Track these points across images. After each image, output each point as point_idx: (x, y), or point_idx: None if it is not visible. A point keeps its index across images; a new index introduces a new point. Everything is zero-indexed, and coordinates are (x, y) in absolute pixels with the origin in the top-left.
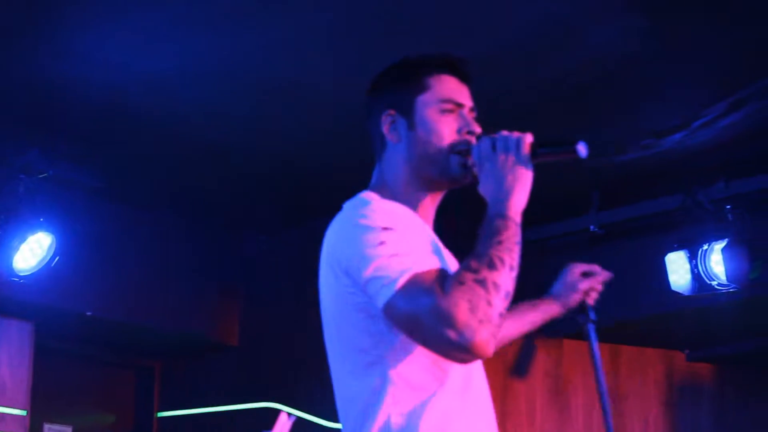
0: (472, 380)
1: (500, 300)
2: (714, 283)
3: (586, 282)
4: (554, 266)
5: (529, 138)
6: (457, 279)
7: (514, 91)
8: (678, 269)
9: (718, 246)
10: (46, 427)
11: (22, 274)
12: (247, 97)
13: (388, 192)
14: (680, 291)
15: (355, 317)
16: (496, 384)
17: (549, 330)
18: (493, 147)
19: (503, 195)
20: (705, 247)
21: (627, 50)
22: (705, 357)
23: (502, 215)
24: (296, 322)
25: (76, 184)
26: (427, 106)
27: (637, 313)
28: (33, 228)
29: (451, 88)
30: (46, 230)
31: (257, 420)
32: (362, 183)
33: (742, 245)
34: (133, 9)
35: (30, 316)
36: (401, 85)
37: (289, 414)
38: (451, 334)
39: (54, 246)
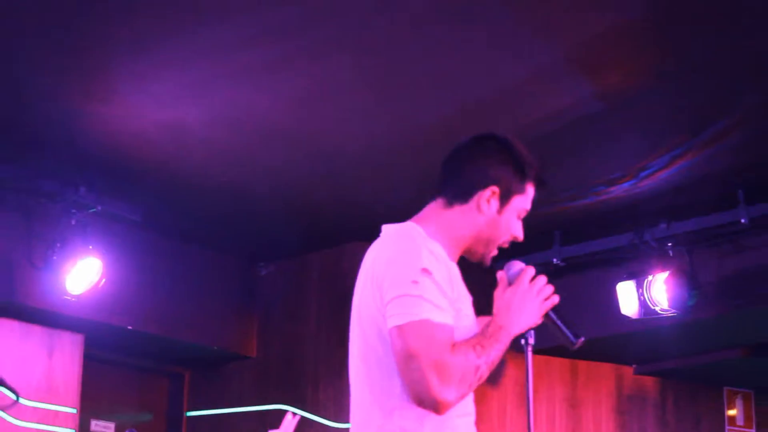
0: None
1: (474, 384)
2: (657, 308)
3: None
4: None
5: (550, 300)
6: (465, 354)
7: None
8: (627, 296)
9: (661, 277)
10: (93, 423)
11: (73, 293)
12: (264, 144)
13: (434, 231)
14: (629, 315)
15: (379, 327)
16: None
17: (517, 345)
18: (525, 286)
19: (516, 319)
20: (650, 278)
21: (580, 110)
22: (650, 371)
23: (509, 333)
24: (303, 336)
25: (118, 218)
26: (516, 206)
27: (592, 333)
28: (83, 254)
29: (531, 198)
30: (94, 256)
31: (270, 419)
32: (356, 221)
33: (682, 276)
34: (169, 66)
35: (80, 329)
36: (514, 176)
37: (294, 413)
38: (436, 386)
39: (101, 270)
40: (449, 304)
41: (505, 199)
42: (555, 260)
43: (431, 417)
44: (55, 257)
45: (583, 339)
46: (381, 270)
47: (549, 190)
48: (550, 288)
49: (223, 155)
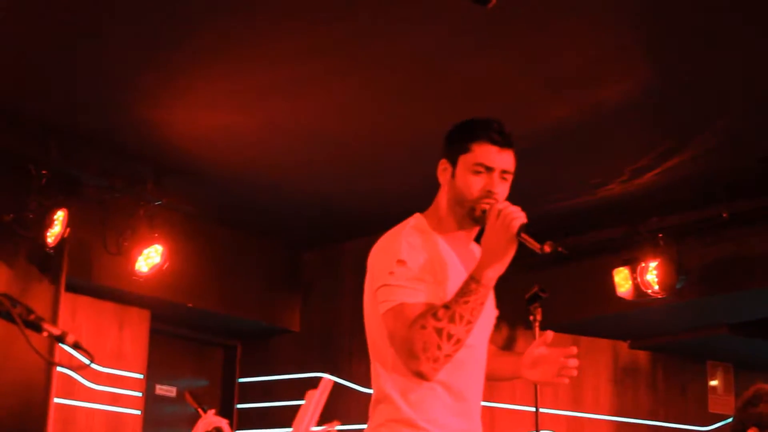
0: (463, 359)
1: (450, 346)
2: (649, 291)
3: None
4: (530, 277)
5: (518, 220)
6: (422, 322)
7: None
8: (622, 281)
9: (653, 264)
10: (157, 387)
11: (141, 274)
12: (307, 146)
13: (435, 217)
14: (624, 297)
15: (373, 310)
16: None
17: (526, 322)
18: (497, 215)
19: (484, 263)
20: (642, 264)
21: (581, 119)
22: (642, 346)
23: (477, 281)
24: (340, 314)
25: (180, 210)
26: (465, 165)
27: (593, 312)
28: (150, 241)
29: (485, 154)
30: (159, 243)
31: (310, 385)
32: (385, 214)
33: (670, 263)
34: (224, 78)
35: (147, 305)
36: (454, 144)
37: (329, 379)
38: (406, 358)
39: (165, 255)
40: (431, 284)
41: (453, 164)
42: (559, 249)
43: (411, 387)
44: (126, 244)
45: (547, 244)
46: (370, 264)
47: (500, 131)
48: (516, 209)
49: (271, 156)
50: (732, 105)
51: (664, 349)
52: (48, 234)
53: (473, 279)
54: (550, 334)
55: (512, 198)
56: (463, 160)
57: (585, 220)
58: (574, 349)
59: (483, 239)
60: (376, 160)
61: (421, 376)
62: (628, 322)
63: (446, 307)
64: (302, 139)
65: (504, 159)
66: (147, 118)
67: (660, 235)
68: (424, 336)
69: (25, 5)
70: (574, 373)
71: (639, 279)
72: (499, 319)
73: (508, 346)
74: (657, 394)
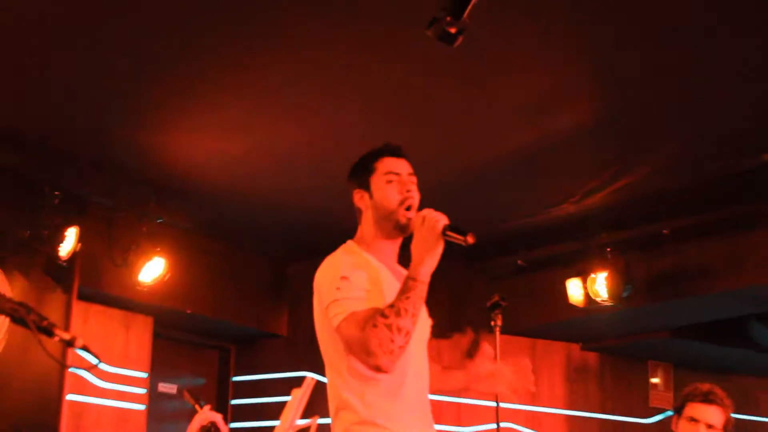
0: (407, 363)
1: (401, 338)
2: (598, 299)
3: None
4: (492, 286)
5: (441, 221)
6: (373, 322)
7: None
8: (575, 290)
9: (602, 275)
10: (160, 384)
11: (145, 285)
12: (293, 168)
13: (364, 242)
14: (576, 304)
15: (324, 324)
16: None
17: (488, 327)
18: (422, 221)
19: (417, 261)
20: (593, 275)
21: (538, 146)
22: (592, 348)
23: (414, 279)
24: None
25: (179, 227)
26: (377, 181)
27: (548, 318)
28: (152, 255)
29: (389, 164)
30: (161, 256)
31: (295, 383)
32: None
33: (617, 275)
34: (217, 108)
35: (150, 312)
36: (361, 173)
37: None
38: (365, 358)
39: (166, 267)
40: (372, 294)
41: (366, 189)
42: (519, 261)
43: (367, 391)
44: (130, 257)
45: (470, 236)
46: (317, 286)
47: (395, 147)
48: (438, 214)
49: (259, 178)
50: (672, 132)
51: (611, 351)
52: (61, 248)
53: (410, 278)
54: (488, 347)
55: (477, 216)
56: (374, 179)
57: (541, 236)
58: (527, 362)
59: (413, 243)
60: None
61: (379, 369)
62: (580, 326)
63: (391, 306)
64: (286, 162)
65: (404, 165)
66: (149, 145)
67: (608, 249)
68: (377, 333)
69: (43, 43)
70: (533, 388)
71: (589, 289)
72: (465, 324)
73: (472, 349)
74: (605, 390)
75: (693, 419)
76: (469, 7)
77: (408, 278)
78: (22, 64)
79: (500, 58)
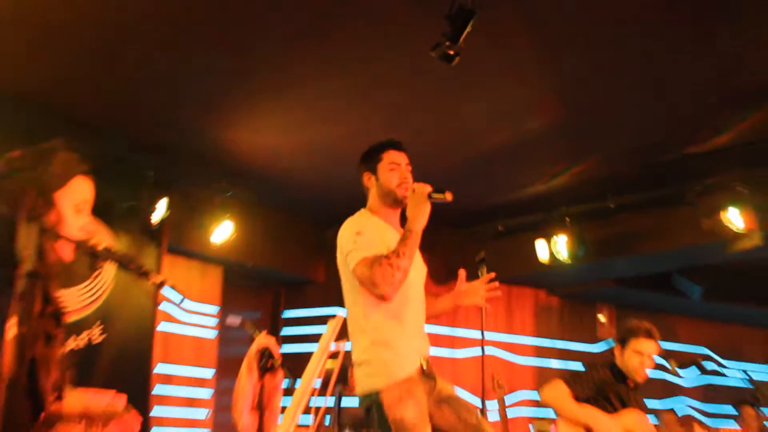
0: (409, 297)
1: (399, 273)
2: (559, 257)
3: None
4: (478, 246)
5: (427, 189)
6: (378, 263)
7: (456, 160)
8: (542, 249)
9: (563, 238)
10: (228, 316)
11: (216, 243)
12: (333, 158)
13: (372, 210)
14: (543, 261)
15: (347, 271)
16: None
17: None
18: (413, 191)
19: (412, 219)
20: (555, 238)
21: (516, 142)
22: (555, 293)
23: (410, 230)
24: None
25: (243, 199)
26: (382, 168)
27: (522, 271)
28: (222, 220)
29: (393, 156)
30: (229, 220)
31: (329, 318)
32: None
33: (574, 238)
34: (273, 110)
35: (220, 263)
36: (371, 160)
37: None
38: (373, 289)
39: (232, 229)
40: (378, 244)
41: (374, 173)
42: (500, 227)
43: (375, 322)
44: (206, 222)
45: (448, 193)
46: (339, 242)
47: (397, 142)
48: (424, 185)
49: (306, 164)
50: (616, 131)
51: (569, 296)
52: (153, 215)
53: (407, 230)
54: (462, 273)
55: (468, 192)
56: (381, 167)
57: (517, 209)
58: (493, 275)
59: (408, 207)
60: None
61: (383, 298)
62: (545, 277)
63: (393, 251)
64: (325, 152)
65: (403, 157)
66: (222, 138)
67: (567, 218)
68: (382, 270)
69: (145, 46)
70: (497, 293)
71: (552, 248)
72: (457, 274)
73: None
74: (564, 325)
75: (638, 351)
76: (463, 35)
77: (405, 230)
78: (125, 66)
79: (484, 74)
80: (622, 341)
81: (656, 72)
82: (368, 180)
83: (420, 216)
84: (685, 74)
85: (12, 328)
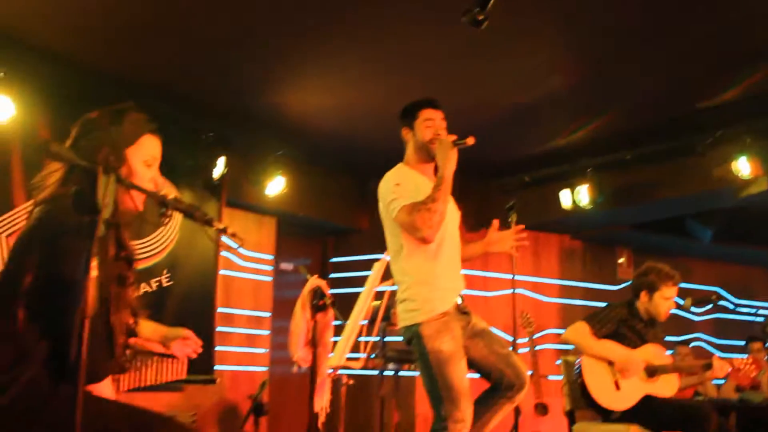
0: (444, 241)
1: (436, 216)
2: (581, 204)
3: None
4: (508, 196)
5: (451, 138)
6: (417, 209)
7: (487, 117)
8: (565, 198)
9: (583, 187)
10: (282, 264)
11: (270, 196)
12: (375, 116)
13: (409, 163)
14: (566, 208)
15: (389, 219)
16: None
17: (506, 224)
18: (440, 142)
19: (442, 165)
20: (577, 188)
21: (535, 102)
22: (578, 237)
23: (441, 176)
24: None
25: (293, 156)
26: (419, 124)
27: (547, 218)
28: (275, 175)
29: (428, 113)
30: (281, 175)
31: (373, 262)
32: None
33: (594, 188)
34: (324, 74)
35: (274, 214)
36: (408, 117)
37: (385, 259)
38: (414, 233)
39: (284, 184)
40: (415, 194)
41: (411, 128)
42: (526, 179)
43: (415, 263)
44: (260, 177)
45: (470, 138)
46: (380, 193)
47: (434, 101)
48: (449, 135)
49: (350, 122)
50: (632, 88)
51: (591, 240)
52: (213, 172)
53: (439, 177)
54: (495, 222)
55: (497, 147)
56: (417, 123)
57: (543, 161)
58: (522, 227)
59: (437, 156)
60: None
61: (424, 240)
62: (569, 224)
63: (428, 197)
64: (368, 111)
65: (438, 114)
66: (274, 99)
67: (588, 169)
68: (421, 215)
69: (202, 22)
70: (525, 243)
71: (575, 197)
72: (488, 221)
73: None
74: (585, 266)
75: (666, 298)
76: (491, 3)
77: (437, 177)
78: (188, 37)
79: (508, 37)
80: (651, 287)
81: (670, 30)
82: (406, 134)
83: (449, 162)
84: (696, 32)
85: (93, 269)
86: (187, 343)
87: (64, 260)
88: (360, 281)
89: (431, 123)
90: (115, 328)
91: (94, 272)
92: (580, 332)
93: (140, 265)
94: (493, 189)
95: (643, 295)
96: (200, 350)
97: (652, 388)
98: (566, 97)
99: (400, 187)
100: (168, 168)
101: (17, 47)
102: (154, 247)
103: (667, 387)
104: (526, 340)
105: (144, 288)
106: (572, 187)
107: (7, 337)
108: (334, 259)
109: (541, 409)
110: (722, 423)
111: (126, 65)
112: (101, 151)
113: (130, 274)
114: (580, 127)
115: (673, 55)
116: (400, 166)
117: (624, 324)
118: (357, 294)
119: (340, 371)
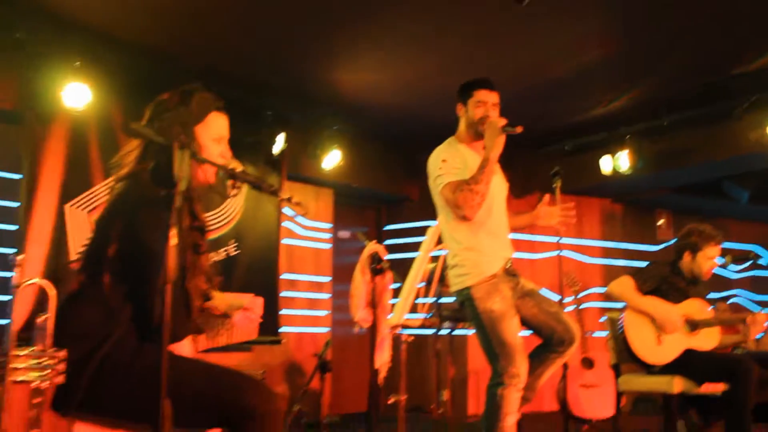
0: (492, 210)
1: (478, 197)
2: (621, 169)
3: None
4: (551, 163)
5: (501, 122)
6: (460, 188)
7: (530, 87)
8: (606, 164)
9: (623, 153)
10: (339, 231)
11: (327, 169)
12: (424, 89)
13: (460, 138)
14: (606, 173)
15: (435, 192)
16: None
17: (550, 189)
18: (490, 124)
19: (488, 149)
20: (618, 153)
21: (577, 72)
22: (618, 201)
23: (487, 159)
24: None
25: (347, 131)
26: (471, 103)
27: (589, 183)
28: (330, 150)
29: (482, 95)
30: (337, 149)
31: (425, 229)
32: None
33: (634, 153)
34: (373, 51)
35: (331, 186)
36: (464, 94)
37: (436, 225)
38: (456, 210)
39: (340, 157)
40: (462, 170)
41: (465, 105)
42: (567, 147)
43: (463, 231)
44: (317, 151)
45: (519, 127)
46: (428, 168)
47: (489, 82)
48: (500, 119)
49: (400, 97)
50: (668, 56)
51: (632, 203)
52: (273, 148)
53: (484, 159)
54: (547, 197)
55: (540, 116)
56: (470, 102)
57: (584, 128)
58: (571, 205)
59: (485, 138)
60: None
61: (464, 218)
62: (610, 187)
63: (472, 177)
64: (417, 87)
65: (492, 96)
66: (329, 79)
67: (627, 136)
68: (463, 195)
69: (260, 5)
70: (572, 220)
71: (615, 163)
72: (535, 188)
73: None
74: (626, 228)
75: (710, 257)
76: None
77: (483, 159)
78: (249, 18)
79: (549, 11)
80: (694, 247)
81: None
82: (460, 110)
83: (495, 146)
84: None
85: (173, 238)
86: (246, 314)
87: (144, 230)
88: (411, 247)
89: (483, 105)
90: (191, 293)
91: (173, 241)
92: (625, 285)
93: (209, 237)
94: (536, 157)
95: (686, 255)
96: (260, 320)
97: (694, 342)
98: (605, 67)
99: (446, 164)
100: (231, 145)
101: (92, 37)
102: (222, 219)
103: (708, 340)
104: (571, 299)
105: (213, 257)
106: (612, 154)
107: (96, 301)
108: (388, 227)
109: (587, 363)
110: (763, 374)
111: (191, 50)
112: (173, 129)
113: (203, 242)
114: (619, 96)
115: (708, 22)
116: (450, 140)
117: (666, 282)
118: (409, 259)
119: (399, 330)
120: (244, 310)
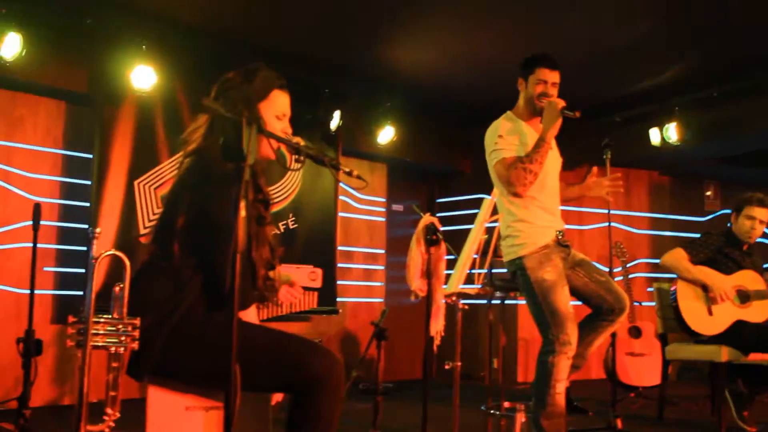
0: (545, 184)
1: (531, 176)
2: (670, 141)
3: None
4: (602, 135)
5: (560, 104)
6: (514, 165)
7: (581, 59)
8: (654, 135)
9: (671, 125)
10: (393, 205)
11: (382, 144)
12: (477, 64)
13: (518, 112)
14: (655, 145)
15: (491, 166)
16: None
17: (602, 161)
18: (549, 104)
19: (545, 129)
20: (666, 125)
21: (627, 46)
22: (666, 173)
23: (543, 140)
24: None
25: (400, 108)
26: (532, 80)
27: (637, 154)
28: (385, 126)
29: (543, 73)
30: (391, 126)
31: (478, 202)
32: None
33: (682, 124)
34: (432, 28)
35: (385, 161)
36: (526, 70)
37: (490, 199)
38: (507, 187)
39: (393, 133)
40: (516, 146)
41: (526, 80)
42: (617, 118)
43: (517, 204)
44: (372, 127)
45: (577, 112)
46: (485, 141)
47: (552, 61)
48: (560, 101)
49: (454, 74)
50: (715, 30)
51: (679, 174)
52: (330, 124)
53: (540, 139)
54: (595, 169)
55: (590, 90)
56: (531, 78)
57: (634, 100)
58: (619, 176)
59: (543, 118)
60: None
61: (517, 195)
62: (658, 159)
63: (527, 155)
64: (470, 63)
65: (553, 76)
66: (383, 57)
67: (676, 107)
68: (516, 172)
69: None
70: (620, 190)
71: (664, 134)
72: (584, 160)
73: (589, 173)
74: (674, 199)
75: (750, 217)
76: None
77: (539, 139)
78: (309, 3)
79: None
80: (737, 209)
81: None
82: (520, 85)
83: (552, 127)
84: None
85: (242, 210)
86: (290, 290)
87: (213, 203)
88: (464, 219)
89: (542, 83)
90: (257, 263)
91: (242, 212)
92: (677, 257)
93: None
94: (587, 129)
95: (732, 218)
96: (300, 297)
97: (744, 314)
98: (654, 39)
99: (502, 140)
100: (291, 121)
101: (157, 22)
102: (281, 193)
103: (759, 312)
104: (620, 269)
105: (275, 230)
106: (661, 126)
107: (167, 272)
108: (441, 200)
109: (635, 331)
110: None
111: (252, 32)
112: (237, 106)
113: (267, 214)
114: (668, 68)
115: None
116: (508, 114)
117: (720, 252)
118: (462, 230)
119: (455, 298)
120: (288, 286)
